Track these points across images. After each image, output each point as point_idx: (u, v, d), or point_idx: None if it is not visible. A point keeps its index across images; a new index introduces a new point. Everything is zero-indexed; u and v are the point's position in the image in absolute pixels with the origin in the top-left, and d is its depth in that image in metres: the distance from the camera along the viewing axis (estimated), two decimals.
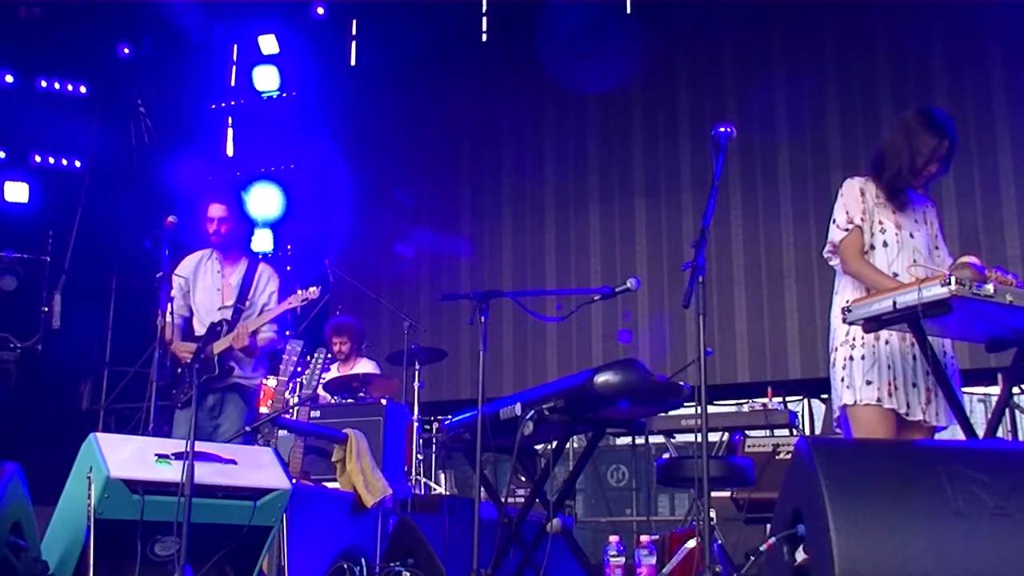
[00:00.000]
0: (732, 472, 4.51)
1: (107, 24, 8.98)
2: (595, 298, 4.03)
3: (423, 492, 6.36)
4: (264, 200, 9.20)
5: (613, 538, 4.22)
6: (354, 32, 9.97)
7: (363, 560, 4.18)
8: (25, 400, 8.12)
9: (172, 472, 3.27)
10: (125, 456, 3.28)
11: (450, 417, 4.05)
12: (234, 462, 3.48)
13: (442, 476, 6.92)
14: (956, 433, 3.49)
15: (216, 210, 5.07)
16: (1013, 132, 7.21)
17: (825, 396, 7.23)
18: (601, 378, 3.27)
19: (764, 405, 6.04)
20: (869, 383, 3.49)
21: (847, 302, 3.42)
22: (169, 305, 4.58)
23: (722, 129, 3.42)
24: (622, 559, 4.15)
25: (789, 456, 4.13)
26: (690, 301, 3.18)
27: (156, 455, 3.33)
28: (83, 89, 8.98)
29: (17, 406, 7.97)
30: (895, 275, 3.54)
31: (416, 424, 6.39)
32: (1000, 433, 5.40)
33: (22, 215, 8.62)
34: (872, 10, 7.78)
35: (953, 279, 3.01)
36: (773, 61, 8.10)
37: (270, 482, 3.49)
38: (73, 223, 8.70)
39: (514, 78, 9.03)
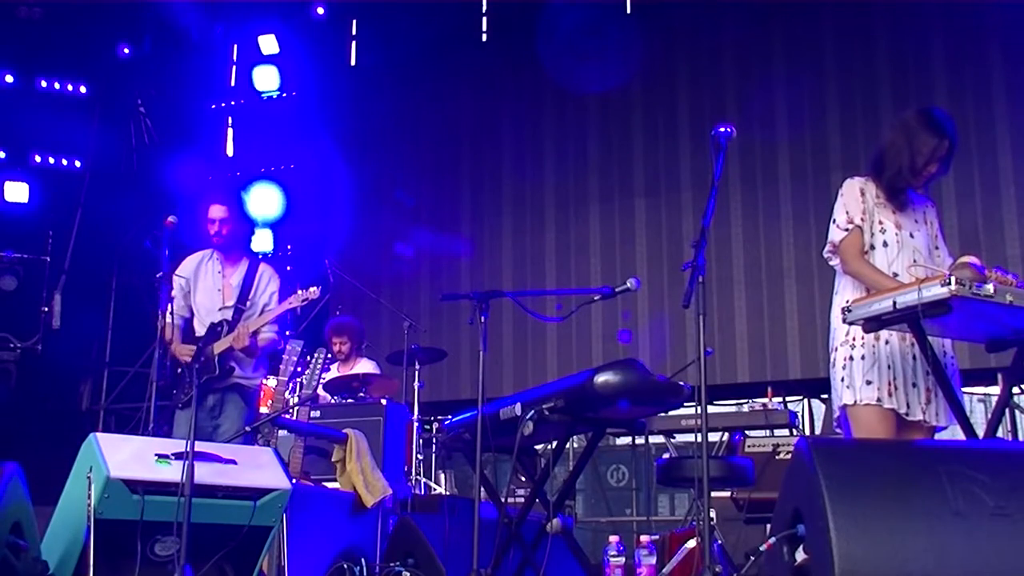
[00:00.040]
0: (732, 472, 4.51)
1: (107, 24, 8.98)
2: (595, 298, 4.03)
3: (423, 492, 6.36)
4: (264, 200, 9.20)
5: (613, 538, 4.21)
6: (354, 32, 9.97)
7: (363, 560, 4.18)
8: (25, 400, 8.12)
9: (172, 472, 3.27)
10: (125, 456, 3.28)
11: (450, 417, 4.05)
12: (234, 462, 3.48)
13: (442, 476, 6.92)
14: (956, 433, 3.49)
15: (217, 211, 5.07)
16: (1013, 132, 7.21)
17: (825, 396, 7.23)
18: (601, 378, 3.27)
19: (764, 405, 6.04)
20: (869, 383, 3.49)
21: (847, 302, 3.42)
22: (169, 305, 4.58)
23: (722, 129, 3.42)
24: (622, 559, 4.15)
25: (789, 456, 4.14)
26: (690, 301, 3.18)
27: (156, 455, 3.33)
28: (83, 89, 8.98)
29: (17, 406, 7.97)
30: (895, 275, 3.54)
31: (416, 424, 6.39)
32: (1000, 433, 5.40)
33: (22, 215, 8.62)
34: (872, 10, 7.78)
35: (953, 279, 3.01)
36: (773, 61, 8.10)
37: (270, 482, 3.50)
38: (73, 223, 8.70)
39: (514, 78, 9.03)
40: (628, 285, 3.78)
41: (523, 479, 6.43)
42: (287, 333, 5.91)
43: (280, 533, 3.88)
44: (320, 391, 5.96)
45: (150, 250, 4.62)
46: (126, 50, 9.17)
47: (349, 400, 6.11)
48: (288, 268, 9.07)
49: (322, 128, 9.51)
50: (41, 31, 8.64)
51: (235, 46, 10.05)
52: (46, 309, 8.23)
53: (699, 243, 3.25)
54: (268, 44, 9.42)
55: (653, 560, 4.21)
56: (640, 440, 7.67)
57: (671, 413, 5.71)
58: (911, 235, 3.65)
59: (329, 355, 5.51)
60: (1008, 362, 3.48)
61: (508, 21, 9.14)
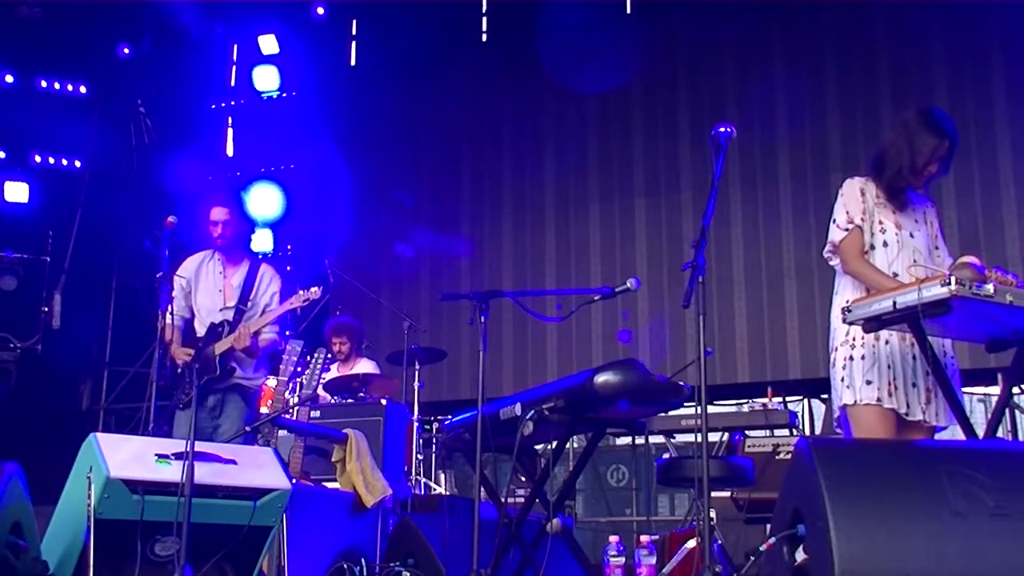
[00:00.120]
0: (732, 472, 4.51)
1: (107, 24, 8.98)
2: (595, 298, 4.03)
3: (423, 492, 6.36)
4: (264, 200, 9.20)
5: (613, 538, 4.21)
6: (354, 32, 9.97)
7: (363, 560, 4.18)
8: (25, 400, 8.11)
9: (172, 472, 3.27)
10: (125, 456, 3.28)
11: (450, 417, 4.05)
12: (234, 462, 3.48)
13: (442, 476, 6.91)
14: (956, 433, 3.49)
15: (219, 213, 5.07)
16: (1013, 132, 7.21)
17: (825, 396, 7.23)
18: (601, 378, 3.27)
19: (764, 405, 6.04)
20: (869, 383, 3.49)
21: (847, 302, 3.42)
22: (169, 306, 4.59)
23: (722, 129, 3.42)
24: (622, 559, 4.15)
25: (789, 456, 4.14)
26: (690, 301, 3.18)
27: (156, 455, 3.33)
28: (83, 89, 8.98)
29: (17, 406, 7.96)
30: (895, 275, 3.54)
31: (416, 424, 6.39)
32: (1000, 433, 5.40)
33: (22, 215, 8.61)
34: (872, 10, 7.78)
35: (953, 279, 3.01)
36: (773, 61, 8.11)
37: (270, 482, 3.49)
38: (73, 223, 8.69)
39: (514, 78, 9.03)
40: (628, 285, 3.78)
41: (523, 479, 6.43)
42: (287, 333, 5.91)
43: (280, 533, 3.88)
44: (320, 391, 5.96)
45: (150, 250, 4.62)
46: (126, 50, 9.17)
47: (349, 400, 6.11)
48: (288, 268, 9.06)
49: (322, 128, 9.50)
50: (41, 31, 8.64)
51: (235, 46, 10.05)
52: (46, 309, 8.22)
53: (699, 243, 3.25)
54: (268, 44, 9.42)
55: (653, 560, 4.21)
56: (640, 440, 7.67)
57: (671, 413, 5.70)
58: (911, 235, 3.65)
59: (329, 355, 5.51)
60: (1008, 362, 3.48)
61: (508, 21, 9.14)
